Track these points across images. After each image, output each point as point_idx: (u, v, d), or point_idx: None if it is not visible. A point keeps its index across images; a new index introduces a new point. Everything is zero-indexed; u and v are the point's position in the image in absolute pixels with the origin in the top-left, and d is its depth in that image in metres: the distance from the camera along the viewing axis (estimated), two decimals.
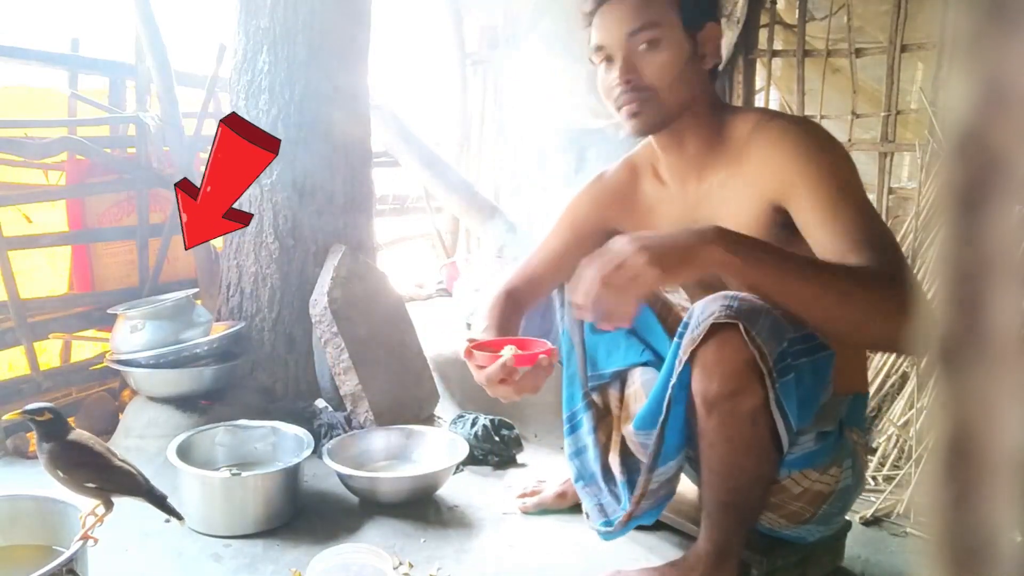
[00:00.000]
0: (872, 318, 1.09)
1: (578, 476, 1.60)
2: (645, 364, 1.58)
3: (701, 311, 1.22)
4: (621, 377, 1.59)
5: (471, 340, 1.39)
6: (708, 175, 1.41)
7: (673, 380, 1.27)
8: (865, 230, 1.18)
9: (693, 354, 1.23)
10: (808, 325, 1.18)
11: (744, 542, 1.38)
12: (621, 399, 1.58)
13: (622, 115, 1.38)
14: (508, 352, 1.30)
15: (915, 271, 2.27)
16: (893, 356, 2.16)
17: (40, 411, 1.31)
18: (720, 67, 1.44)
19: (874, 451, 2.01)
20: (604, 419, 1.59)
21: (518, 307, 1.58)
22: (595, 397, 1.60)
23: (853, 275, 1.12)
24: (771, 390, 1.20)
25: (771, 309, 1.19)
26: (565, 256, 1.60)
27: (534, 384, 1.32)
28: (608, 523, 1.50)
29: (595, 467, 1.56)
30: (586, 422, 1.58)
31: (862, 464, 1.44)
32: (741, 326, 1.17)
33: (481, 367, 1.32)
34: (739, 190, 1.36)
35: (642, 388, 1.52)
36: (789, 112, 3.12)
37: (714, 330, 1.20)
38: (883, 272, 1.11)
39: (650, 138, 1.48)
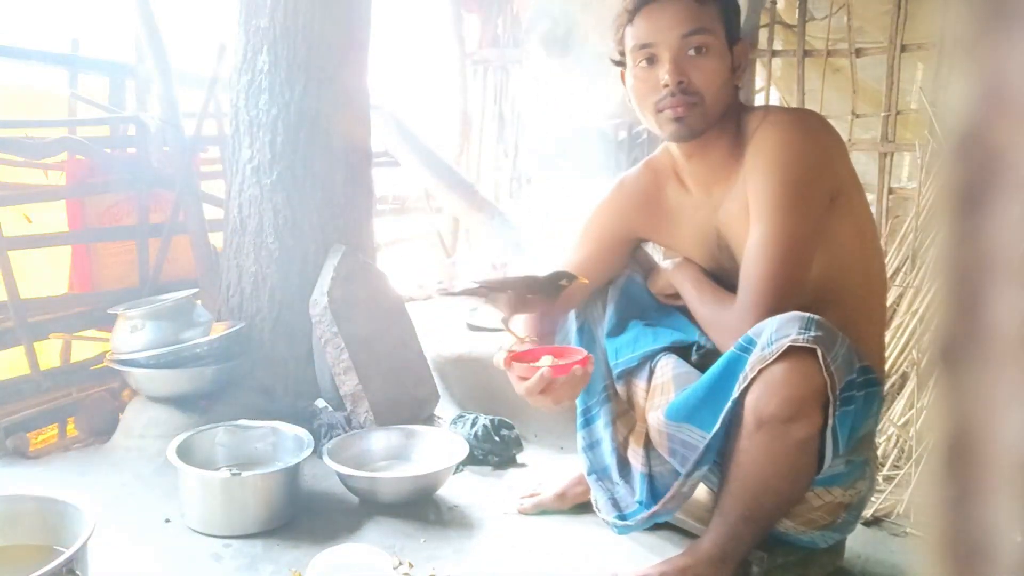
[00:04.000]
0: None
1: (591, 469, 1.60)
2: (671, 348, 1.56)
3: (775, 331, 1.22)
4: (649, 367, 1.58)
5: (510, 351, 1.42)
6: (732, 180, 1.41)
7: (735, 395, 1.26)
8: (761, 275, 1.31)
9: (760, 371, 1.23)
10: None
11: (744, 552, 1.38)
12: (648, 389, 1.57)
13: (662, 118, 1.38)
14: (545, 363, 1.33)
15: (916, 277, 2.27)
16: (894, 355, 2.16)
17: None
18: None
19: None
20: (626, 413, 1.59)
21: (552, 319, 1.62)
22: (619, 388, 1.60)
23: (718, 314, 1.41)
24: (831, 417, 1.20)
25: (844, 337, 1.21)
26: (593, 267, 1.61)
27: (571, 393, 1.38)
28: (622, 516, 1.50)
29: (610, 460, 1.56)
30: (603, 415, 1.58)
31: (875, 468, 1.46)
32: (819, 352, 1.17)
33: (521, 378, 1.36)
34: (737, 212, 1.38)
35: (672, 382, 1.50)
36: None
37: (788, 352, 1.19)
38: (737, 319, 1.34)
39: (669, 144, 1.49)
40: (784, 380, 1.20)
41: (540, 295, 1.46)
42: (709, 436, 1.32)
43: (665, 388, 1.51)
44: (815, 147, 1.32)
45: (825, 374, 1.18)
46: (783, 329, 1.21)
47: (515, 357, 1.39)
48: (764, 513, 1.33)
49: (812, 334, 1.18)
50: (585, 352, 1.40)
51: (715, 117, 1.37)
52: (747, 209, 1.37)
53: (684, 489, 1.40)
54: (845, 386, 1.20)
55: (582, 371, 1.35)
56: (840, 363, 1.19)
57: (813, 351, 1.17)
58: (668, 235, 1.57)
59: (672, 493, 1.40)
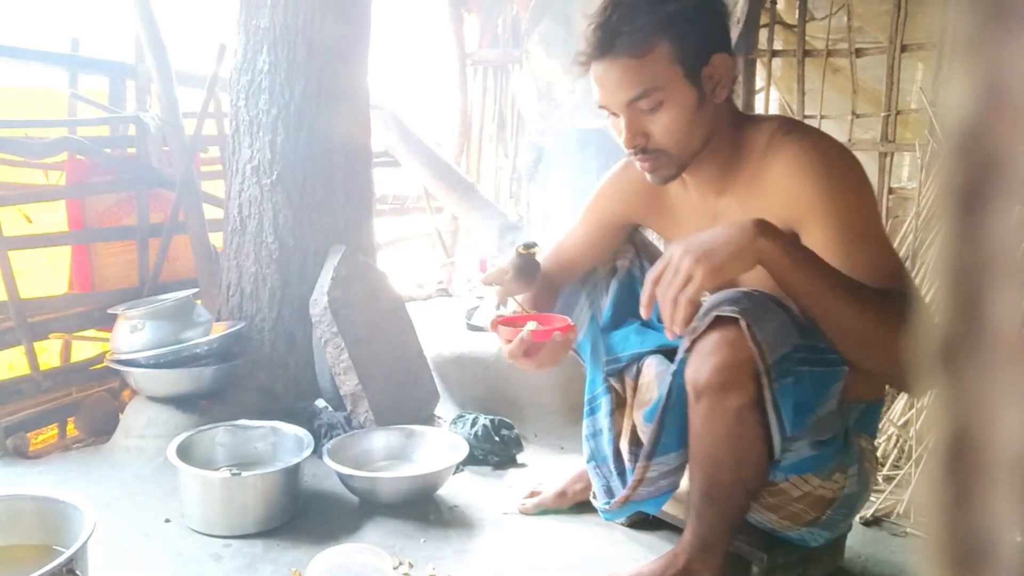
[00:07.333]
0: (883, 336, 1.17)
1: (591, 456, 1.62)
2: (662, 351, 1.57)
3: (711, 303, 1.23)
4: (637, 365, 1.59)
5: (499, 316, 1.50)
6: (728, 190, 1.40)
7: (674, 367, 1.29)
8: (880, 264, 1.22)
9: (693, 343, 1.24)
10: (826, 334, 1.21)
11: (730, 538, 1.38)
12: (635, 388, 1.59)
13: (638, 167, 1.40)
14: (527, 328, 1.40)
15: (916, 277, 2.27)
16: None
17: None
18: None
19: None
20: (622, 407, 1.61)
21: (552, 287, 1.66)
22: (614, 383, 1.61)
23: (875, 296, 1.18)
24: (767, 389, 1.20)
25: (784, 312, 1.21)
26: (592, 244, 1.66)
27: (552, 358, 1.43)
28: (610, 503, 1.52)
29: (608, 450, 1.59)
30: (604, 405, 1.60)
31: (869, 471, 1.42)
32: (743, 323, 1.17)
33: (507, 341, 1.42)
34: (756, 209, 1.34)
35: (655, 380, 1.52)
36: (790, 112, 3.13)
37: (718, 323, 1.21)
38: (898, 298, 1.18)
39: None
40: (713, 349, 1.21)
41: (518, 279, 1.54)
42: (658, 400, 1.35)
43: (649, 387, 1.53)
44: (856, 167, 1.29)
45: (752, 344, 1.18)
46: (716, 301, 1.23)
47: (503, 321, 1.47)
48: (723, 492, 1.31)
49: (740, 306, 1.19)
50: (568, 320, 1.46)
51: (690, 156, 1.35)
52: (774, 215, 1.33)
53: (652, 474, 1.40)
54: (781, 359, 1.19)
55: (562, 338, 1.41)
56: (770, 335, 1.18)
57: (738, 320, 1.18)
58: (666, 227, 1.58)
59: (638, 477, 1.41)
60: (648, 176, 1.38)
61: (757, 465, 1.30)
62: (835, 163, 1.27)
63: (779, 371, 1.19)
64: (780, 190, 1.29)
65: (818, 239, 1.24)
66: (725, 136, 1.37)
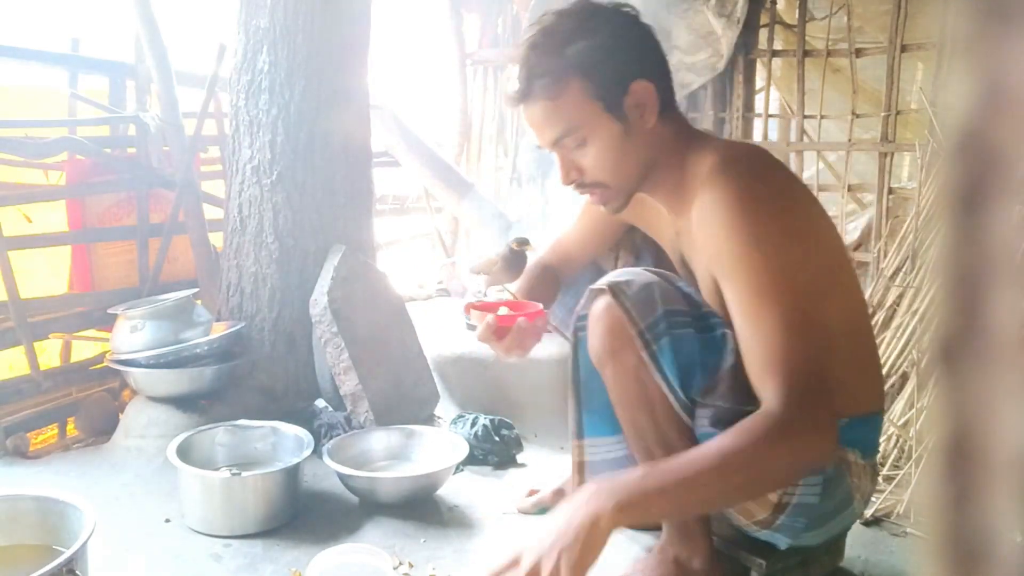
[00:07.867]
0: (776, 475, 1.15)
1: None
2: None
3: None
4: None
5: (478, 300, 1.57)
6: (683, 212, 1.35)
7: (572, 340, 1.38)
8: (769, 342, 1.12)
9: (583, 321, 1.35)
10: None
11: (701, 516, 1.36)
12: None
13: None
14: (494, 313, 1.46)
15: (916, 277, 2.27)
16: (894, 355, 2.16)
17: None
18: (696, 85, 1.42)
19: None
20: None
21: (553, 276, 1.71)
22: None
23: (736, 455, 1.09)
24: (643, 351, 1.26)
25: (651, 283, 1.29)
26: (589, 241, 1.72)
27: (520, 343, 1.45)
28: None
29: None
30: None
31: (853, 486, 1.33)
32: (609, 291, 1.27)
33: (476, 326, 1.46)
34: (694, 247, 1.33)
35: None
36: (790, 113, 3.13)
37: (593, 295, 1.32)
38: (779, 422, 1.08)
39: None
40: (597, 318, 1.31)
41: (505, 270, 1.62)
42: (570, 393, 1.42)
43: None
44: (777, 222, 1.20)
45: (620, 309, 1.26)
46: (600, 279, 1.33)
47: (479, 307, 1.52)
48: (655, 459, 1.30)
49: (609, 279, 1.29)
50: (539, 306, 1.50)
51: (631, 184, 1.34)
52: (697, 267, 1.34)
53: (591, 458, 1.44)
54: (655, 322, 1.25)
55: (527, 324, 1.44)
56: (636, 302, 1.26)
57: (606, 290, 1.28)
58: (650, 229, 1.58)
59: (576, 459, 1.45)
60: (602, 208, 1.41)
61: (673, 428, 1.30)
62: (754, 218, 1.18)
63: (654, 333, 1.25)
64: (702, 236, 1.26)
65: (729, 299, 1.20)
66: (672, 158, 1.33)
